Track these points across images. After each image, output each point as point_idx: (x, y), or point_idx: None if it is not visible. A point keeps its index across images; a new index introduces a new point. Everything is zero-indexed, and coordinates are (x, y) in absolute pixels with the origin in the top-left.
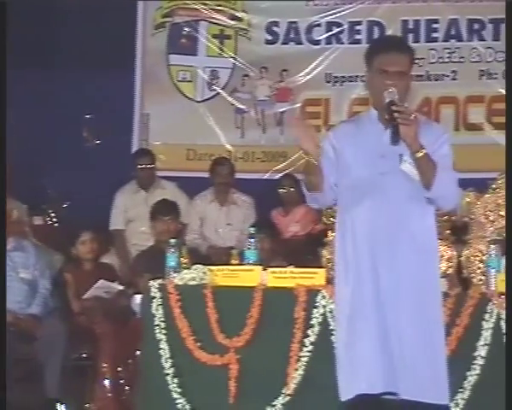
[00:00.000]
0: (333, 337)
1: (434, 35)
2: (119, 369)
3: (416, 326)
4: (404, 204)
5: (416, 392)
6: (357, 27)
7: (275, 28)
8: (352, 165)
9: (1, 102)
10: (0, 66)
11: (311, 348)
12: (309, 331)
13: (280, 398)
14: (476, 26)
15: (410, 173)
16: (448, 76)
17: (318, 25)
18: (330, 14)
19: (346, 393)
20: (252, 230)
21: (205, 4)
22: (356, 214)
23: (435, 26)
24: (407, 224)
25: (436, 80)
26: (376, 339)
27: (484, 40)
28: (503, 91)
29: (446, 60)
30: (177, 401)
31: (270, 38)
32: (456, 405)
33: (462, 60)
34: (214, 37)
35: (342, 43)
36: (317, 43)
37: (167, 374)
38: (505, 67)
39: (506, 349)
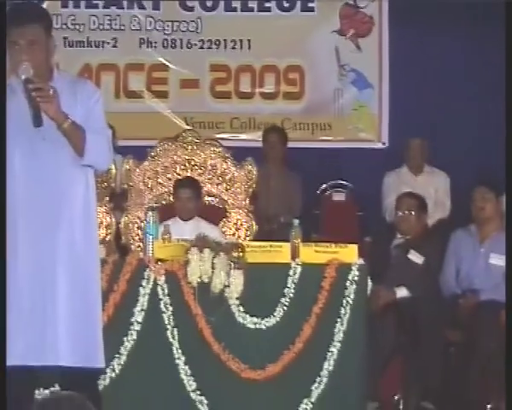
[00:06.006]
0: None
1: (95, 2)
2: None
3: (74, 293)
4: (66, 169)
5: (73, 358)
6: None
7: None
8: (12, 135)
9: (1, 102)
10: (0, 66)
11: None
12: None
13: None
14: None
15: None
16: (109, 43)
17: None
18: None
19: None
20: None
21: None
22: (15, 183)
23: None
24: (69, 189)
25: (96, 47)
26: (31, 308)
27: (144, 9)
28: (163, 60)
29: (107, 27)
30: None
31: None
32: (113, 370)
33: (122, 27)
34: None
35: None
36: None
37: None
38: (505, 68)
39: (506, 349)
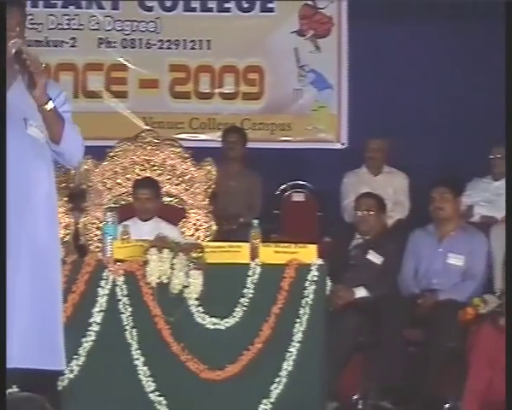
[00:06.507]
0: None
1: (53, 1)
2: None
3: (36, 293)
4: (32, 167)
5: (33, 359)
6: None
7: None
8: None
9: (1, 101)
10: (0, 66)
11: None
12: None
13: None
14: None
15: (37, 136)
16: (67, 43)
17: None
18: None
19: None
20: None
21: None
22: None
23: None
24: (35, 188)
25: (55, 46)
26: None
27: (103, 8)
28: (122, 60)
29: (65, 26)
30: None
31: None
32: (71, 371)
33: (81, 27)
34: None
35: None
36: None
37: None
38: (505, 68)
39: (506, 349)
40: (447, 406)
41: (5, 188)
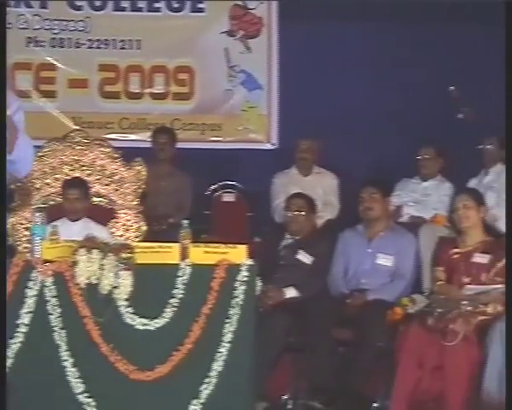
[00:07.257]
0: None
1: None
2: None
3: None
4: None
5: None
6: None
7: None
8: None
9: (1, 100)
10: (0, 65)
11: None
12: None
13: None
14: None
15: None
16: None
17: None
18: None
19: None
20: None
21: None
22: None
23: None
24: None
25: None
26: None
27: (31, 7)
28: (51, 59)
29: None
30: None
31: None
32: None
33: (9, 26)
34: None
35: None
36: None
37: None
38: (505, 68)
39: (506, 349)
40: (376, 405)
41: (5, 188)
